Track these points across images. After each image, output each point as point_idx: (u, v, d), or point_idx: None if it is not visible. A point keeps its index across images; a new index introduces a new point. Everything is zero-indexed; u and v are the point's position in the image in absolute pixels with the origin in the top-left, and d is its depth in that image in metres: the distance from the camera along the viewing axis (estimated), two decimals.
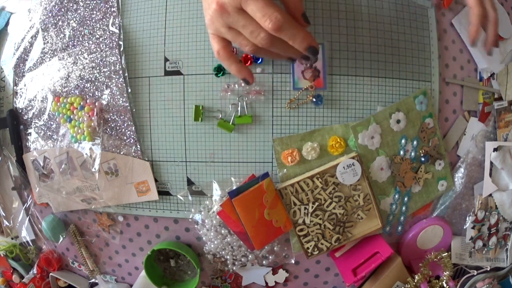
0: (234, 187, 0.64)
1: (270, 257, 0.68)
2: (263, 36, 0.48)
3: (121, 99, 0.66)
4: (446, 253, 0.68)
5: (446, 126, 0.69)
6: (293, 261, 0.69)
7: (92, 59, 0.67)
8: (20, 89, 0.75)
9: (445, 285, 0.68)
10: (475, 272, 0.73)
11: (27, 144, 0.76)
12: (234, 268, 0.69)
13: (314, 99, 0.63)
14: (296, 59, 0.55)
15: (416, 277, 0.67)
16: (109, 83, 0.66)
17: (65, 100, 0.69)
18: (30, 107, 0.74)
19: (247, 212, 0.60)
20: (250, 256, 0.68)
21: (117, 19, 0.65)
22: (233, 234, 0.65)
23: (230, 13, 0.48)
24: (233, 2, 0.47)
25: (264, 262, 0.69)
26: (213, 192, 0.66)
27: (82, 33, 0.68)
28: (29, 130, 0.75)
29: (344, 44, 0.63)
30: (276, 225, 0.62)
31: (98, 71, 0.67)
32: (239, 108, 0.63)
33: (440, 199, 0.71)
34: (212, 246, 0.67)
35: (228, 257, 0.68)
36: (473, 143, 0.70)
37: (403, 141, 0.65)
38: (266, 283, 0.71)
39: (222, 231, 0.66)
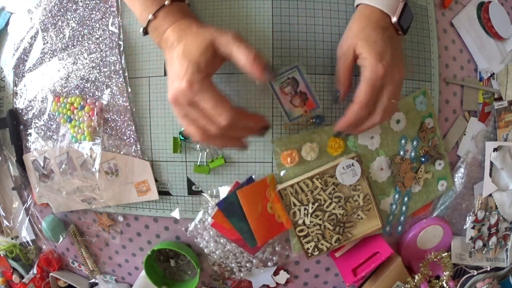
0: (221, 198, 0.64)
1: (274, 258, 0.68)
2: (213, 130, 0.51)
3: (121, 99, 0.66)
4: (446, 253, 0.68)
5: (446, 126, 0.69)
6: (293, 258, 0.69)
7: (92, 59, 0.67)
8: (20, 89, 0.75)
9: (445, 285, 0.68)
10: (475, 272, 0.73)
11: (27, 144, 0.76)
12: (241, 275, 0.69)
13: (314, 120, 0.62)
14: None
15: (416, 277, 0.67)
16: (109, 83, 0.66)
17: (65, 100, 0.69)
18: (30, 107, 0.74)
19: (251, 204, 0.61)
20: (254, 261, 0.68)
21: (116, 19, 0.65)
22: (232, 242, 0.65)
23: (183, 106, 0.51)
24: (185, 97, 0.50)
25: (269, 263, 0.69)
26: (208, 199, 0.66)
27: (82, 33, 0.68)
28: (29, 130, 0.75)
29: None
30: (278, 220, 0.63)
31: (98, 71, 0.67)
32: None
33: (440, 199, 0.71)
34: (215, 256, 0.67)
35: (233, 265, 0.68)
36: (473, 143, 0.70)
37: (403, 141, 0.65)
38: (267, 284, 0.71)
39: (221, 240, 0.66)
